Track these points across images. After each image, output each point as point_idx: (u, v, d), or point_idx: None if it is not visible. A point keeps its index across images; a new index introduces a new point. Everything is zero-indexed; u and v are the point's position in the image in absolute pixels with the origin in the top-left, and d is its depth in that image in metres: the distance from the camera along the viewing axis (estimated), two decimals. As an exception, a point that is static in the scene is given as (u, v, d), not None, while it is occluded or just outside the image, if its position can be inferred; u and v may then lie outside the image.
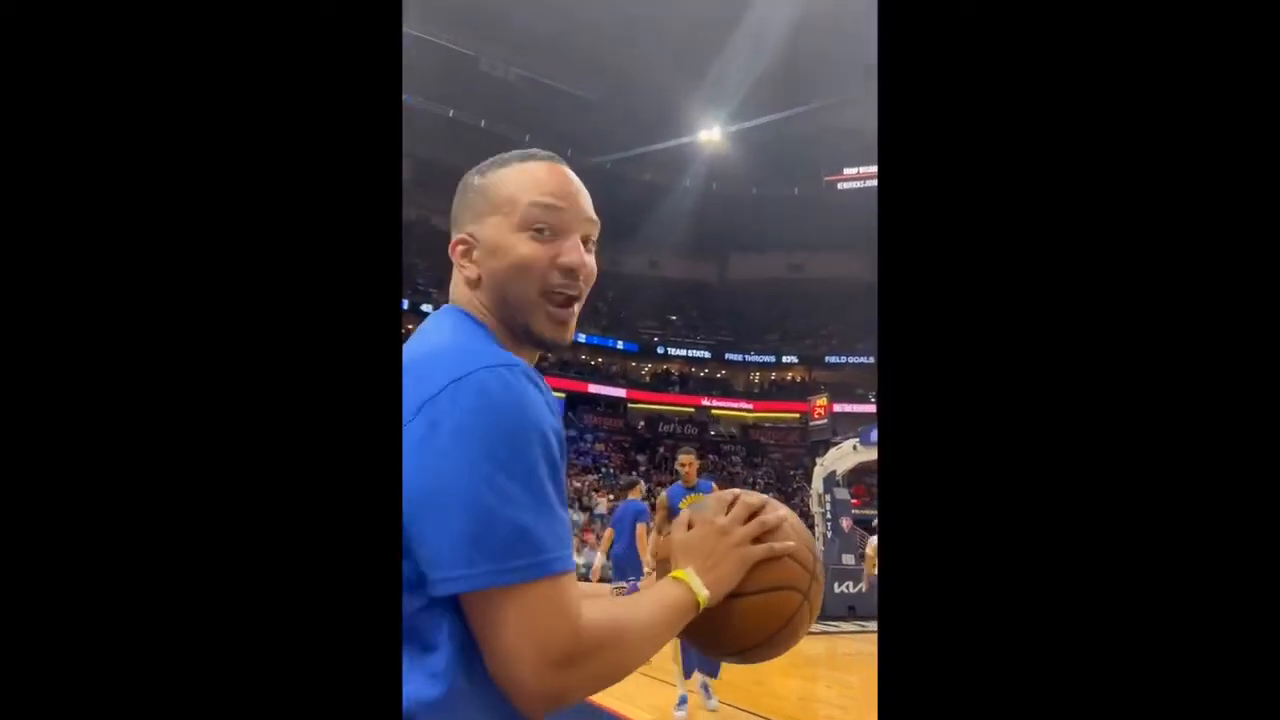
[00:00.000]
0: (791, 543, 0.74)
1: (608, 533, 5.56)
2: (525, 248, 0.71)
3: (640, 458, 23.10)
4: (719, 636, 0.73)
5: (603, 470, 21.23)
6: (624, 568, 5.46)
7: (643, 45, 24.22)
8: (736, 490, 0.79)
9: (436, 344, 0.68)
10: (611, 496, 17.92)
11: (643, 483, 6.66)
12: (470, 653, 0.58)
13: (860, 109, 24.83)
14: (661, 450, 23.91)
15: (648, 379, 28.34)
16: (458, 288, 0.75)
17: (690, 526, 0.75)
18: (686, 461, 4.26)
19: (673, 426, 26.94)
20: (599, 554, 6.10)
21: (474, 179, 0.77)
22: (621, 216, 28.29)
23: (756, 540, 0.73)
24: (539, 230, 0.72)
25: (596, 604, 0.61)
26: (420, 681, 0.56)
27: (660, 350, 28.89)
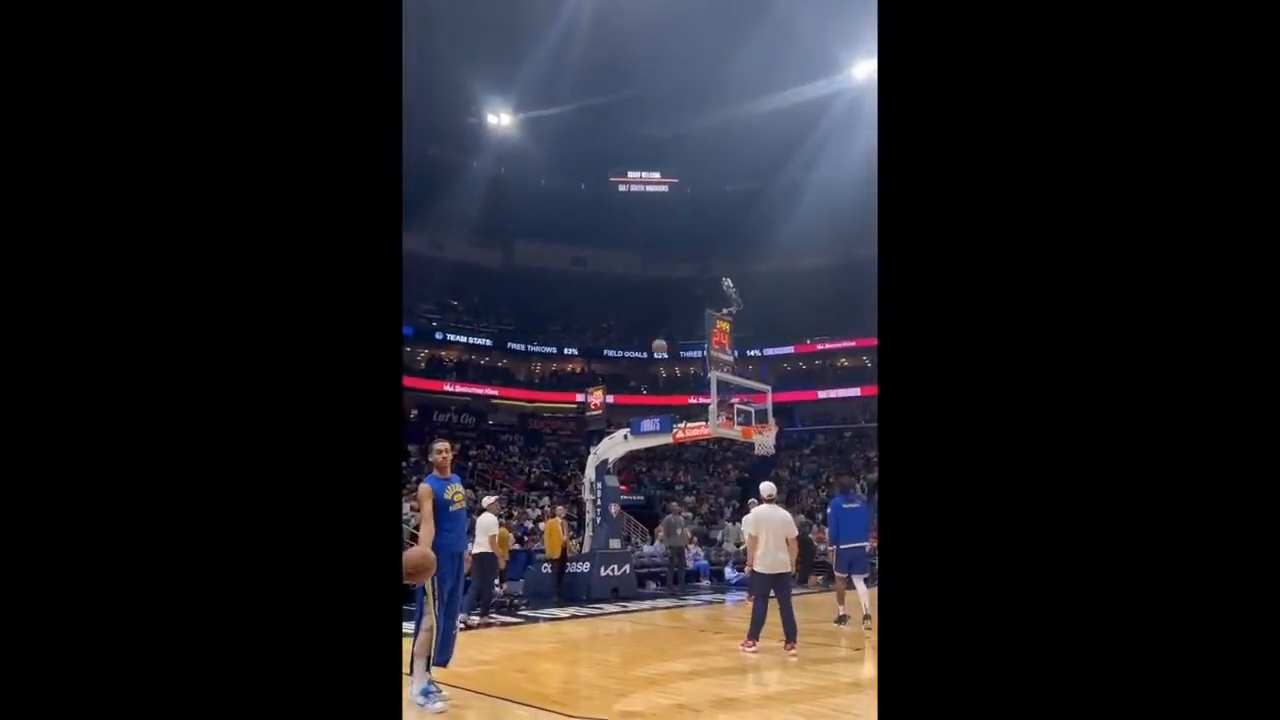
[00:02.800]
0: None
1: None
2: None
3: (411, 448, 22.02)
4: None
5: (369, 460, 19.88)
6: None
7: (440, 18, 23.00)
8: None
9: None
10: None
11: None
12: None
13: (651, 112, 25.95)
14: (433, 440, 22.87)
15: (423, 365, 27.06)
16: None
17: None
18: (444, 450, 4.28)
19: (449, 415, 26.03)
20: None
21: None
22: (411, 195, 26.61)
23: None
24: None
25: None
26: None
27: (439, 336, 27.74)
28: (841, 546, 7.45)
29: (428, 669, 4.10)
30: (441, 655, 4.12)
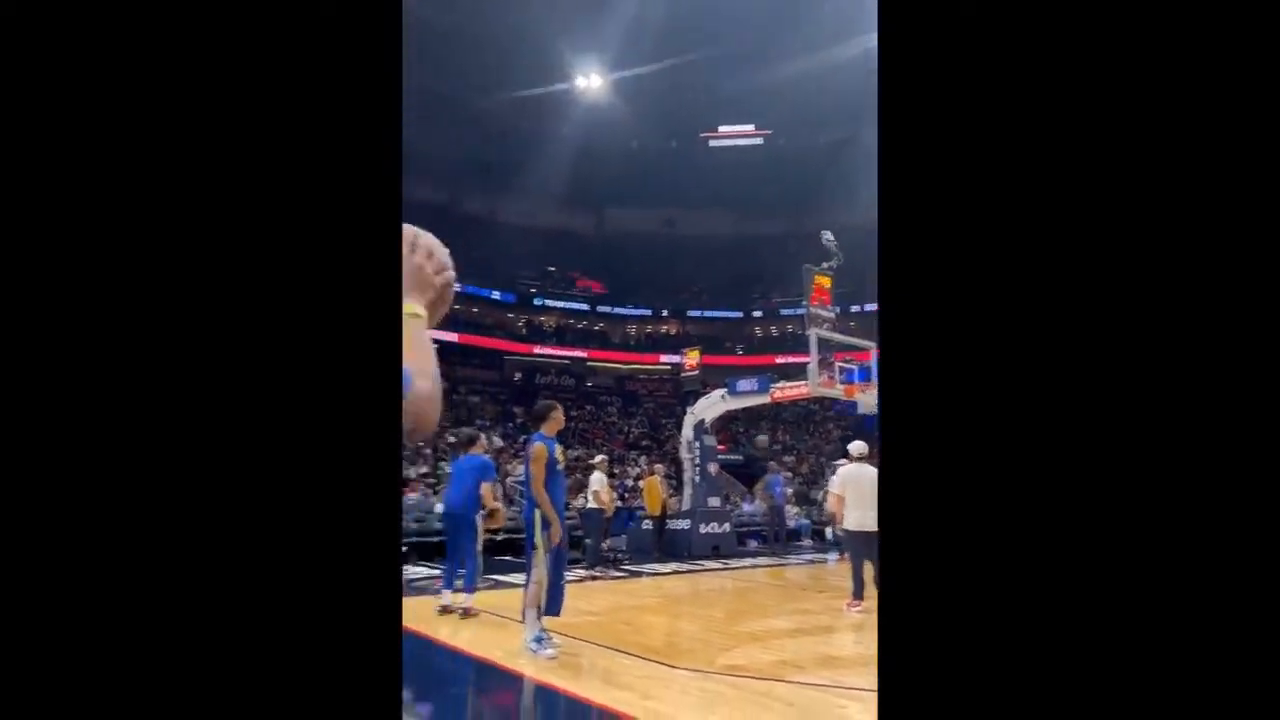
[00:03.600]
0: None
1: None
2: None
3: (517, 409, 22.92)
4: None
5: (477, 422, 20.91)
6: (456, 518, 5.63)
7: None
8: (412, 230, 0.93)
9: None
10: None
11: (484, 437, 6.75)
12: None
13: (739, 66, 25.13)
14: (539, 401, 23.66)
15: (524, 330, 27.94)
16: None
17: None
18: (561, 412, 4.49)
19: (550, 378, 26.86)
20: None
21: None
22: (501, 164, 27.18)
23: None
24: None
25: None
26: None
27: (537, 302, 28.49)
28: None
29: (539, 618, 4.33)
30: (552, 606, 4.33)
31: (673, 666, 4.05)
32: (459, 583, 5.61)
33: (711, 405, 11.39)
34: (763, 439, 21.53)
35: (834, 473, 7.19)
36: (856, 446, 6.28)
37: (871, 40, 23.23)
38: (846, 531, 6.06)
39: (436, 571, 7.36)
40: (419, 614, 5.56)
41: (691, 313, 29.41)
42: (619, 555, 10.00)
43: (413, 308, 0.80)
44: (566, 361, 27.74)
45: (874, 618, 4.00)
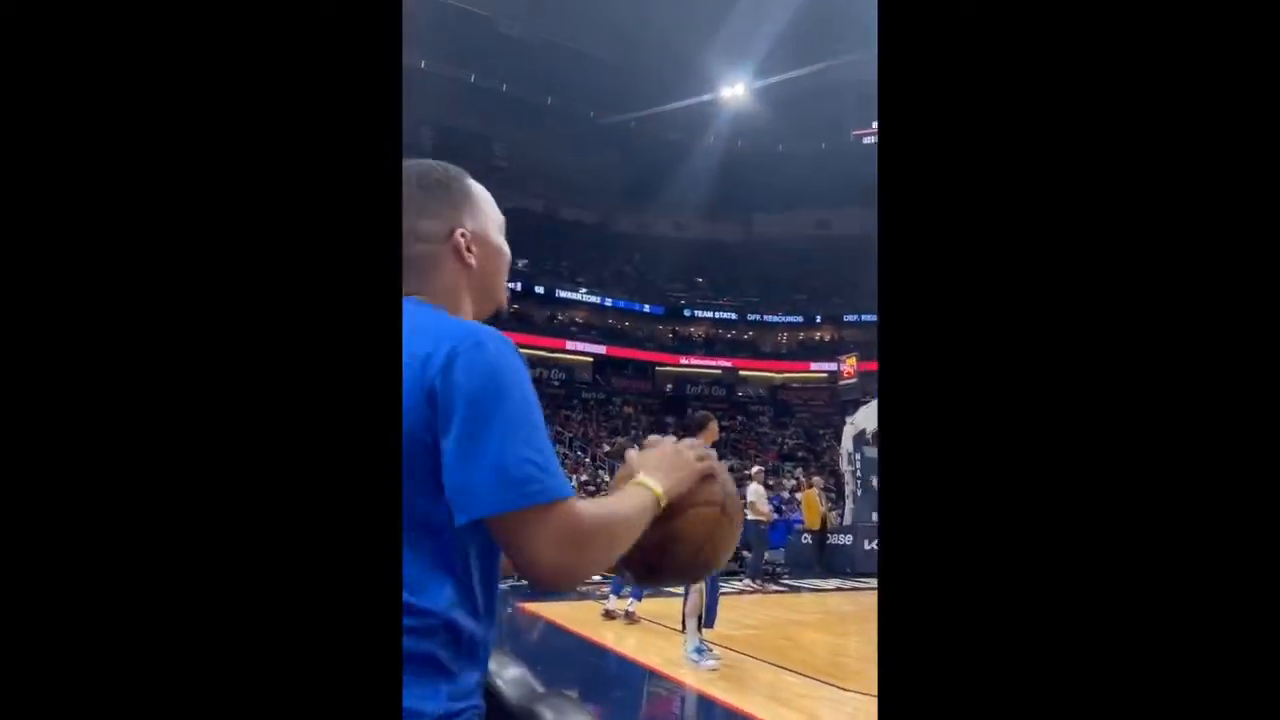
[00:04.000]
0: (721, 465, 0.92)
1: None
2: (503, 243, 0.91)
3: (669, 419, 23.25)
4: (664, 545, 0.85)
5: (632, 432, 21.45)
6: None
7: (660, 3, 23.58)
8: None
9: (432, 319, 0.76)
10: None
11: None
12: (486, 565, 0.74)
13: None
14: (690, 411, 23.91)
15: (674, 341, 28.30)
16: (445, 273, 0.85)
17: (642, 449, 0.91)
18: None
19: (700, 388, 26.98)
20: None
21: (460, 179, 0.89)
22: (645, 178, 27.88)
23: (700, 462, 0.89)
24: (502, 231, 0.92)
25: (590, 502, 0.75)
26: (451, 593, 0.71)
27: (687, 313, 28.76)
28: None
29: (699, 629, 4.32)
30: (708, 617, 4.31)
31: (841, 688, 3.87)
32: (626, 589, 5.75)
33: (873, 415, 10.84)
34: None
35: None
36: None
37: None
38: None
39: (599, 577, 7.59)
40: (585, 618, 5.75)
41: (848, 317, 28.29)
42: (778, 569, 9.77)
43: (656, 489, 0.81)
44: (718, 372, 27.71)
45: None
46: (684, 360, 27.78)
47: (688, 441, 0.91)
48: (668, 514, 0.83)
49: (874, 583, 8.75)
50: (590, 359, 25.83)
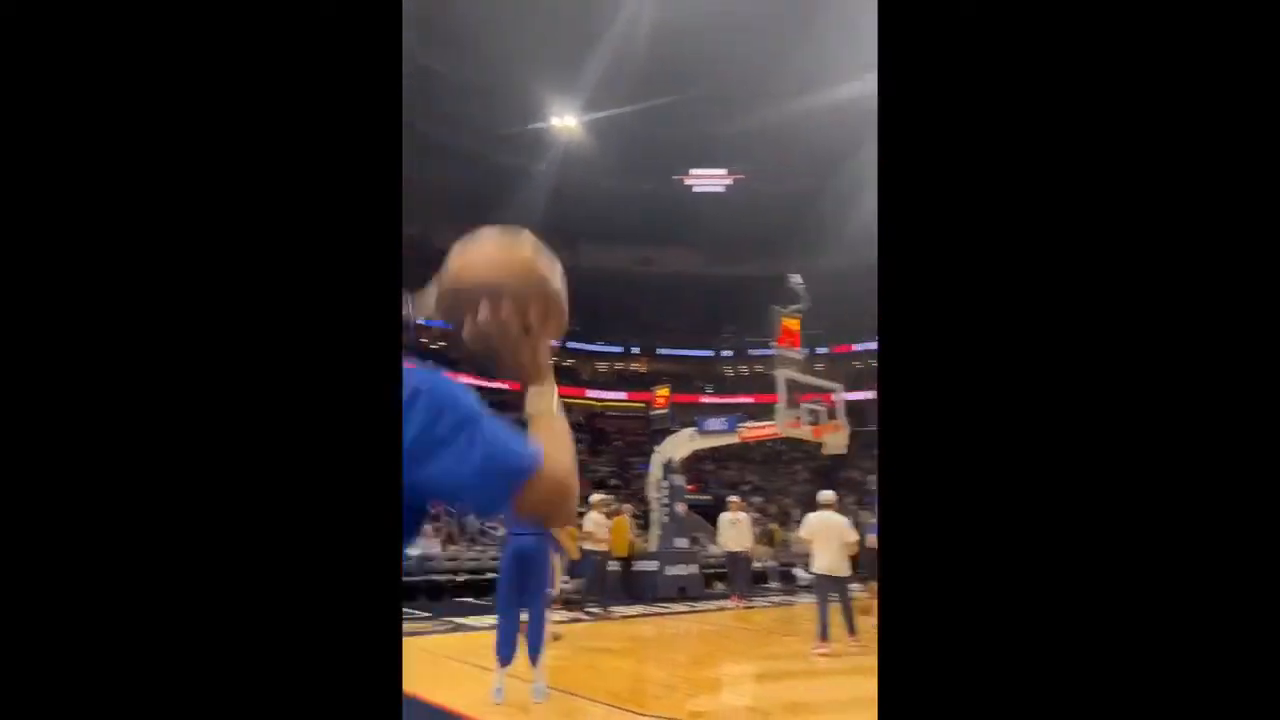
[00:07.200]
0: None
1: None
2: None
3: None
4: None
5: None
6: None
7: (503, 26, 23.50)
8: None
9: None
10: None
11: None
12: None
13: (711, 109, 25.78)
14: (505, 438, 23.34)
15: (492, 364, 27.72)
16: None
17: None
18: None
19: (519, 415, 26.58)
20: None
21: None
22: (476, 200, 27.30)
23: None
24: None
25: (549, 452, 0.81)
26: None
27: (507, 337, 28.30)
28: None
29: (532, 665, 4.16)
30: (536, 651, 4.18)
31: (641, 714, 3.94)
32: None
33: (680, 444, 11.35)
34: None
35: (804, 513, 7.37)
36: (824, 495, 6.63)
37: (839, 93, 24.09)
38: (815, 575, 6.33)
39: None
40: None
41: (662, 350, 29.56)
42: (579, 598, 9.77)
43: (551, 404, 0.84)
44: (535, 397, 27.49)
45: (840, 662, 4.00)
46: (500, 384, 27.29)
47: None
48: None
49: (676, 608, 9.08)
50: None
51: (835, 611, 6.08)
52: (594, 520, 8.59)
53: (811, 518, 6.51)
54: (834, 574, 6.10)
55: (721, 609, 9.32)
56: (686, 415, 17.87)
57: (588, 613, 8.32)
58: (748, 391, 26.31)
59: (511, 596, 4.14)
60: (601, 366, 30.15)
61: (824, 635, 5.97)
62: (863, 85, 23.42)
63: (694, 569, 10.70)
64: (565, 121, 28.31)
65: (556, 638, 5.99)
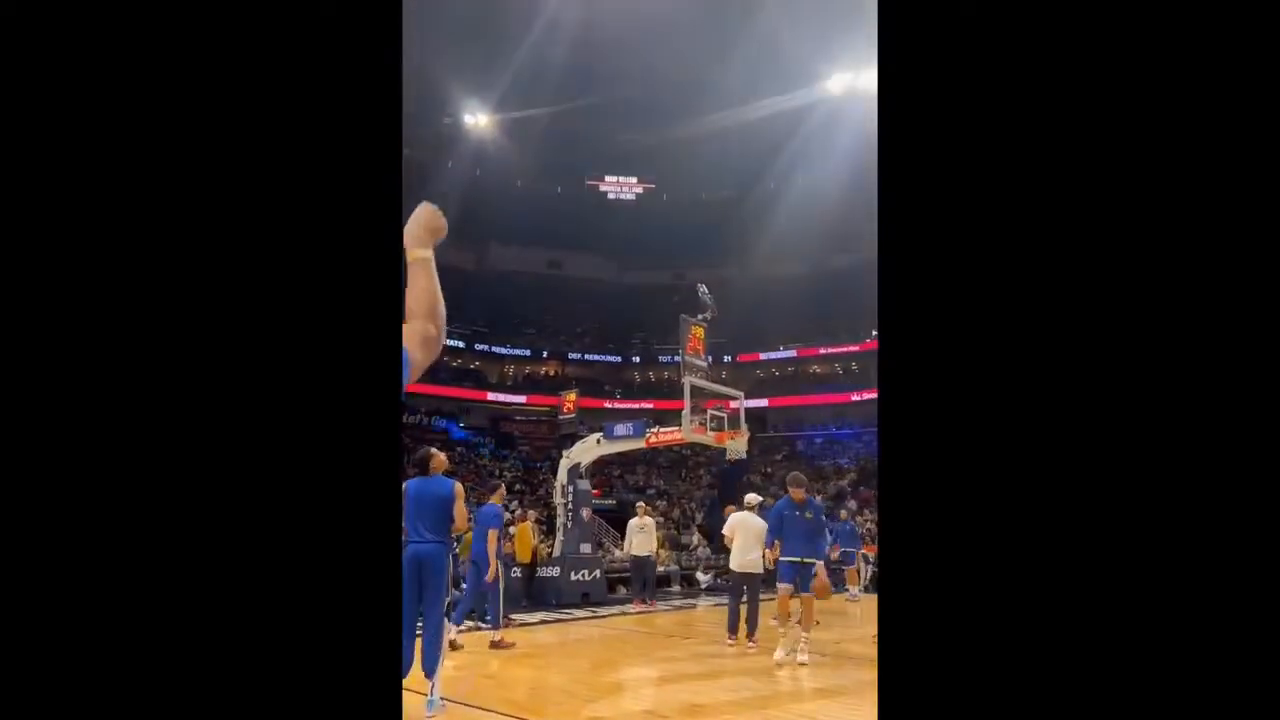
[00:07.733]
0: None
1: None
2: None
3: (381, 449, 21.70)
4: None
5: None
6: (479, 563, 6.35)
7: (417, 17, 22.79)
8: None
9: None
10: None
11: (504, 488, 7.57)
12: None
13: (628, 116, 26.00)
14: (407, 441, 22.58)
15: (394, 366, 26.65)
16: None
17: None
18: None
19: (418, 417, 25.72)
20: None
21: None
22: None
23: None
24: None
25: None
26: None
27: (411, 336, 27.33)
28: (781, 559, 5.80)
29: (428, 678, 4.02)
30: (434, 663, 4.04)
31: (535, 722, 3.89)
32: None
33: (587, 449, 11.33)
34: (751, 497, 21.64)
35: (706, 517, 7.76)
36: (750, 497, 7.01)
37: (754, 111, 24.89)
38: (731, 571, 6.65)
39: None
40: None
41: (571, 355, 29.45)
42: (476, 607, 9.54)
43: (421, 252, 0.86)
44: (439, 400, 26.75)
45: (735, 663, 4.10)
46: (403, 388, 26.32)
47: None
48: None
49: (579, 613, 9.03)
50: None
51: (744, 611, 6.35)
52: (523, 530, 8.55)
53: (734, 516, 6.80)
54: (749, 571, 6.41)
55: (624, 613, 9.36)
56: (594, 420, 17.88)
57: (485, 621, 8.15)
58: (655, 397, 26.62)
59: (408, 606, 4.00)
60: (509, 369, 29.67)
61: (734, 630, 6.31)
62: (776, 104, 24.27)
63: (597, 574, 10.69)
64: (478, 120, 27.78)
65: (455, 647, 5.87)
